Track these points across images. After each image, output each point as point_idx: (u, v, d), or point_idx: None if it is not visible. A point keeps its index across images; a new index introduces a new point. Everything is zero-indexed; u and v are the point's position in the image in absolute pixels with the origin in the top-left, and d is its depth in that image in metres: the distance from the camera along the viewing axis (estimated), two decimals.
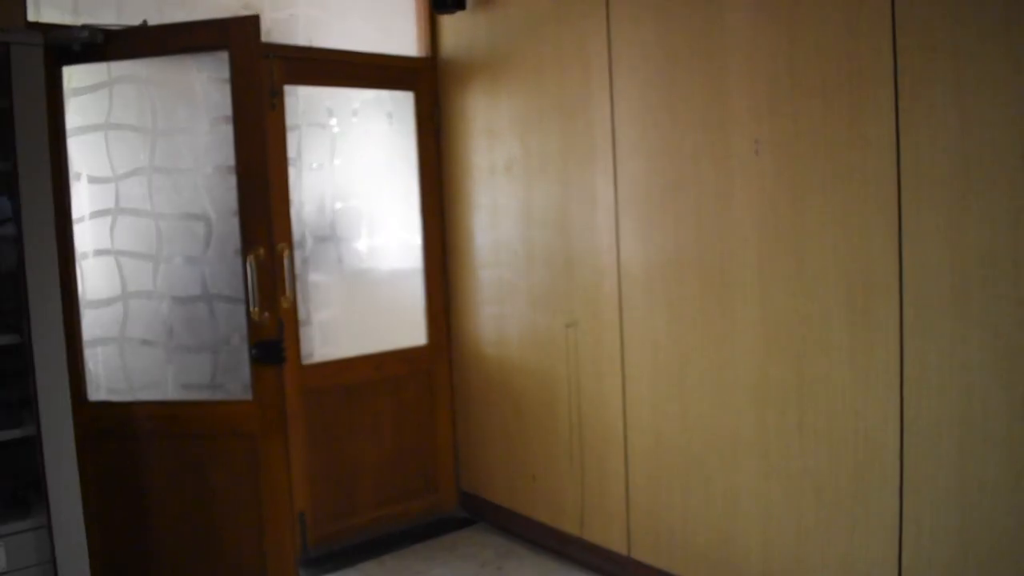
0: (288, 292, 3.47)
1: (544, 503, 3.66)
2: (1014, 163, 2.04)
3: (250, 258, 3.02)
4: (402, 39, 4.00)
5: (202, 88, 3.17)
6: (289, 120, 3.59)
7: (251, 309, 3.04)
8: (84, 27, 2.97)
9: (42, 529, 2.55)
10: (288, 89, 3.59)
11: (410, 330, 4.04)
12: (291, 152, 3.61)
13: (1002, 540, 2.12)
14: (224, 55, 3.05)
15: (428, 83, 4.01)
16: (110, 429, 3.15)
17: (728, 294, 2.76)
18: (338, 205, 3.84)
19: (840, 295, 2.45)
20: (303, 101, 3.70)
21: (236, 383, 3.22)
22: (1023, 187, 2.03)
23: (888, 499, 2.36)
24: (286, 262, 3.45)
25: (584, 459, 3.40)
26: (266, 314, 3.05)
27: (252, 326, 3.06)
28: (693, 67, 2.81)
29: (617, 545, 3.29)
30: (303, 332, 3.65)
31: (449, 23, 3.92)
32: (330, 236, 3.81)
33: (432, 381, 4.07)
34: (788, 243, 2.57)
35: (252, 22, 3.02)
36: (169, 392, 3.29)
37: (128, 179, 3.22)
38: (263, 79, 3.14)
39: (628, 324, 3.15)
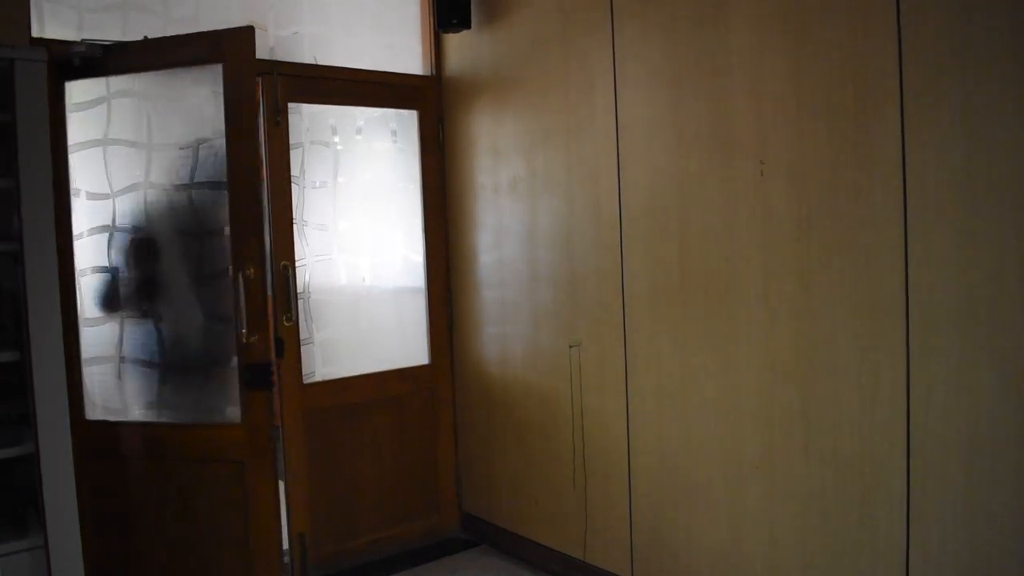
0: (291, 311, 3.46)
1: (547, 526, 3.62)
2: (1021, 185, 2.02)
3: (239, 277, 2.96)
4: (407, 57, 4.01)
5: (198, 102, 3.13)
6: (292, 138, 3.59)
7: (239, 331, 2.97)
8: (83, 42, 2.98)
9: (39, 549, 2.52)
10: (292, 107, 3.59)
11: (413, 349, 4.02)
12: (294, 170, 3.60)
13: (1010, 566, 2.09)
14: (219, 68, 3.01)
15: (432, 102, 4.01)
16: (106, 449, 3.12)
17: (733, 315, 2.74)
18: (341, 223, 3.83)
19: (846, 317, 2.42)
20: (307, 119, 3.69)
21: (229, 407, 3.15)
22: None
23: (895, 524, 2.33)
24: (290, 281, 3.45)
25: (587, 481, 3.37)
26: (255, 337, 2.98)
27: (241, 349, 2.99)
28: (698, 87, 2.80)
29: (620, 569, 3.25)
30: (305, 351, 3.64)
31: (454, 42, 3.93)
32: (333, 254, 3.80)
33: (434, 401, 4.05)
34: (793, 265, 2.55)
35: (246, 34, 2.98)
36: (163, 413, 3.23)
37: (125, 195, 3.20)
38: (256, 92, 3.11)
39: (632, 345, 3.12)
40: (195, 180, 3.14)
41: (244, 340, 2.97)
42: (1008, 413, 2.08)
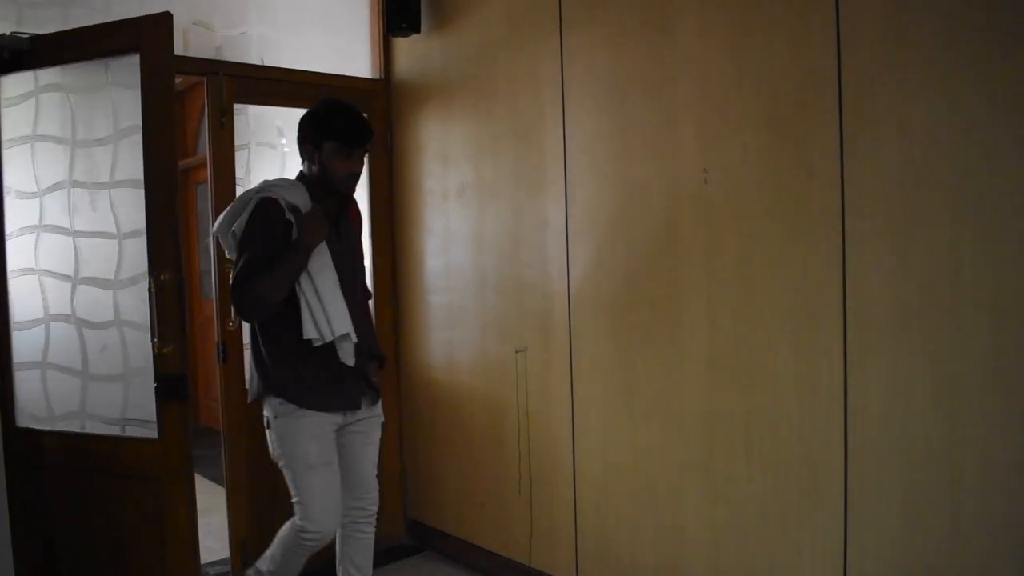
0: (233, 315, 3.41)
1: (492, 531, 3.62)
2: (953, 197, 2.09)
3: (153, 283, 2.83)
4: (356, 61, 3.98)
5: (118, 95, 3.00)
6: (238, 139, 3.54)
7: (152, 340, 2.84)
8: (9, 34, 2.87)
9: None
10: (238, 108, 3.54)
11: None
12: (239, 172, 3.55)
13: (943, 565, 2.15)
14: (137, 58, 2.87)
15: (381, 105, 3.99)
16: (33, 458, 3.01)
17: (676, 321, 2.78)
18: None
19: (786, 324, 2.47)
20: (253, 120, 3.65)
21: (149, 419, 2.99)
22: (961, 220, 2.08)
23: (833, 525, 2.38)
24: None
25: (533, 486, 3.38)
26: (170, 346, 2.83)
27: (156, 359, 2.86)
28: (644, 96, 2.84)
29: (565, 573, 3.26)
30: (247, 356, 3.57)
31: (403, 46, 3.92)
32: None
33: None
34: (735, 271, 2.59)
35: (164, 20, 2.83)
36: (85, 424, 3.11)
37: (51, 194, 3.10)
38: (173, 82, 2.94)
39: (577, 351, 3.14)
40: (115, 178, 3.03)
41: (157, 350, 2.84)
42: (941, 417, 2.14)
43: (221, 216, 2.73)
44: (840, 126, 2.31)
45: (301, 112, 3.77)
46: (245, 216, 2.60)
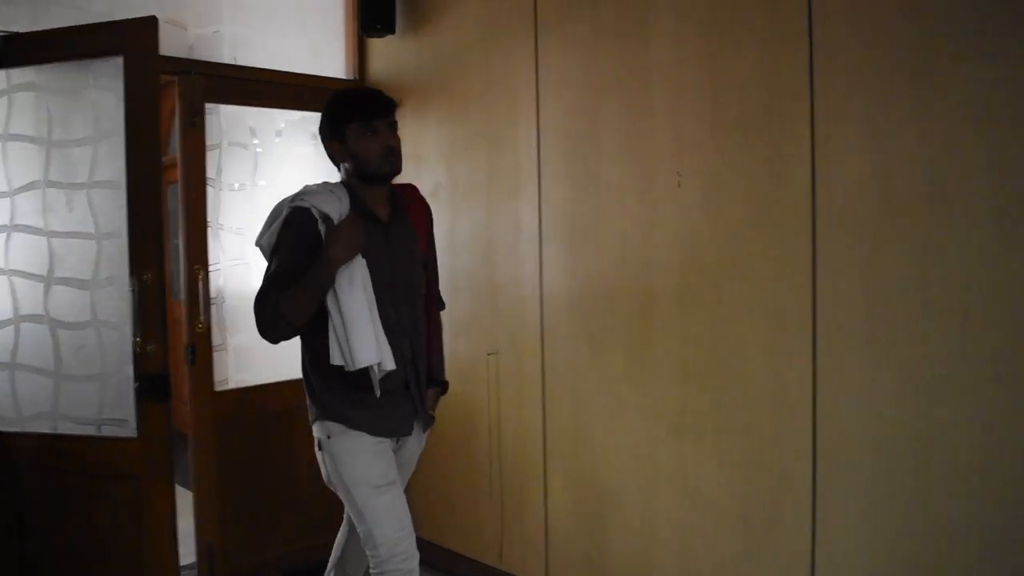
0: (202, 316, 3.37)
1: (463, 533, 3.61)
2: (924, 202, 2.12)
3: (136, 283, 2.82)
4: (330, 61, 3.96)
5: (99, 96, 2.96)
6: (209, 139, 3.50)
7: (135, 340, 2.82)
8: None
9: None
10: (210, 107, 3.50)
11: None
12: (210, 172, 3.52)
13: (910, 566, 2.17)
14: (120, 61, 2.85)
15: None
16: (3, 459, 2.95)
17: (649, 324, 2.79)
18: (260, 227, 3.75)
19: (757, 326, 2.49)
20: (225, 119, 3.62)
21: (126, 419, 2.97)
22: (932, 226, 2.11)
23: (802, 527, 2.40)
24: (201, 285, 3.36)
25: (504, 488, 3.37)
26: (152, 345, 2.83)
27: (137, 359, 2.85)
28: (618, 99, 2.85)
29: (535, 575, 3.25)
30: (218, 357, 3.54)
31: (378, 47, 3.90)
32: (250, 259, 3.72)
33: None
34: (708, 274, 2.61)
35: (149, 26, 2.82)
36: (57, 425, 3.05)
37: (23, 194, 3.05)
38: (159, 86, 2.93)
39: (550, 353, 3.14)
40: (94, 179, 2.99)
41: (140, 349, 2.82)
42: (906, 419, 2.17)
43: (261, 230, 2.49)
44: (812, 132, 2.33)
45: (274, 112, 3.79)
46: (277, 226, 2.36)
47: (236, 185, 3.67)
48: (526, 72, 3.17)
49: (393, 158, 2.39)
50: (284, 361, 3.77)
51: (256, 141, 3.77)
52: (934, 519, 2.13)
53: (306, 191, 2.37)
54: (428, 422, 2.59)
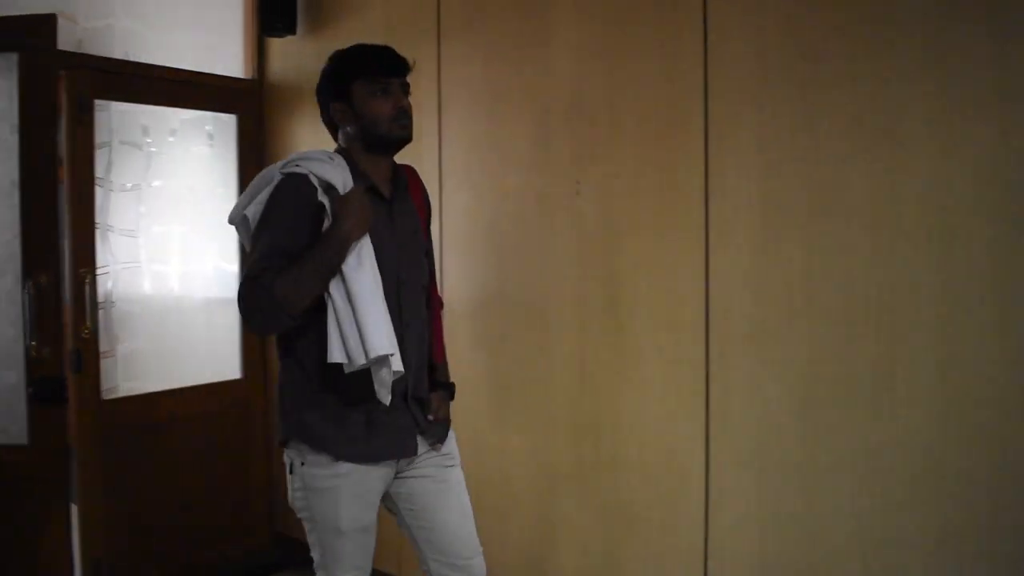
0: (88, 321, 3.23)
1: None
2: (807, 212, 2.21)
3: (29, 286, 2.72)
4: (228, 60, 3.86)
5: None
6: (99, 137, 3.35)
7: (28, 344, 2.72)
8: None
9: None
10: (100, 104, 3.36)
11: (224, 363, 3.84)
12: (99, 171, 3.37)
13: (798, 566, 2.26)
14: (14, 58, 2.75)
15: (253, 106, 3.88)
16: None
17: (547, 328, 2.81)
18: (153, 229, 3.63)
19: (651, 333, 2.55)
20: (115, 117, 3.48)
21: (14, 426, 2.86)
22: (816, 234, 2.20)
23: (695, 530, 2.46)
24: (87, 289, 3.21)
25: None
26: (47, 349, 2.72)
27: (30, 362, 2.75)
28: (520, 108, 2.88)
29: None
30: (106, 364, 3.39)
31: (278, 47, 3.83)
32: (140, 262, 3.59)
33: (247, 417, 3.88)
34: (604, 282, 2.65)
35: (46, 23, 2.73)
36: None
37: None
38: (55, 85, 2.86)
39: (451, 357, 3.12)
40: None
41: (35, 353, 2.72)
42: (792, 421, 2.25)
43: (236, 202, 2.13)
44: (705, 143, 2.40)
45: (168, 111, 3.67)
46: (265, 196, 1.98)
47: (128, 185, 3.54)
48: (428, 78, 3.17)
49: (407, 122, 2.10)
50: (176, 370, 3.67)
51: (149, 140, 3.64)
52: (819, 517, 2.22)
53: (300, 156, 2.03)
54: (441, 433, 2.21)
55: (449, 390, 2.34)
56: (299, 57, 3.74)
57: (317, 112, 3.51)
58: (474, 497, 3.06)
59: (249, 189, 2.06)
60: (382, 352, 1.86)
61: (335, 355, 1.88)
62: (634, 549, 2.61)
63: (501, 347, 2.97)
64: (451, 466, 2.24)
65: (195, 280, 3.82)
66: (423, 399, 2.17)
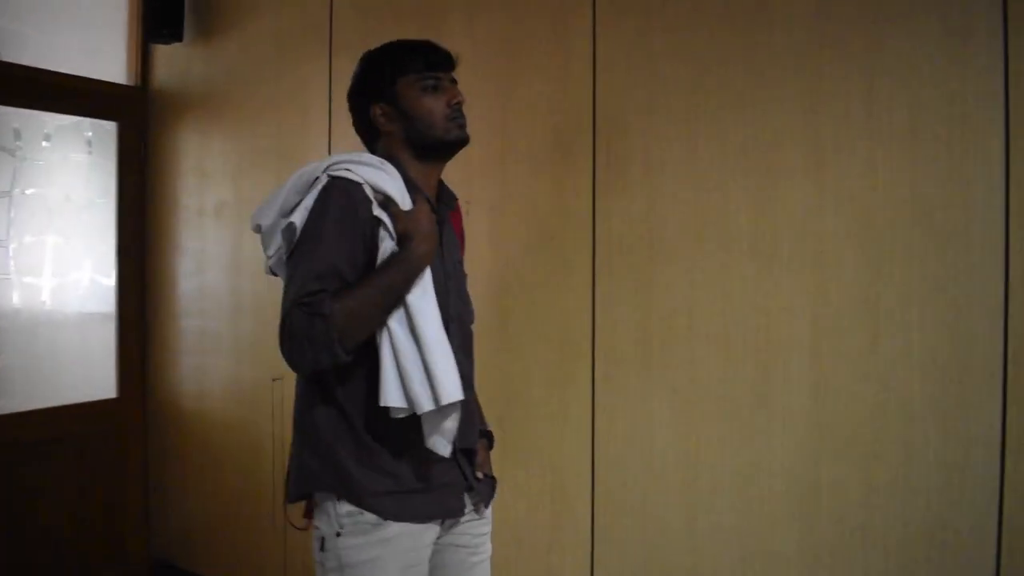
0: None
1: (246, 567, 3.43)
2: (691, 237, 2.26)
3: None
4: (110, 65, 3.70)
5: None
6: None
7: None
8: None
9: None
10: None
11: (99, 381, 3.66)
12: None
13: None
14: None
15: (136, 114, 3.73)
16: None
17: None
18: (23, 239, 3.43)
19: (541, 352, 2.55)
20: None
21: None
22: (697, 258, 2.25)
23: (581, 548, 2.46)
24: None
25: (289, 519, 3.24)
26: None
27: None
28: None
29: None
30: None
31: (164, 53, 3.69)
32: (9, 273, 3.38)
33: (122, 438, 3.69)
34: (494, 300, 2.64)
35: None
36: None
37: None
38: None
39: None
40: None
41: None
42: (677, 439, 2.29)
43: (263, 203, 1.74)
44: (593, 168, 2.43)
45: (44, 115, 3.48)
46: (311, 201, 1.62)
47: None
48: (319, 90, 3.11)
49: (463, 120, 1.81)
50: (46, 388, 3.48)
51: (20, 144, 3.45)
52: (699, 534, 2.25)
53: (349, 159, 1.66)
54: (488, 493, 1.89)
55: (489, 439, 1.99)
56: (186, 65, 3.62)
57: (203, 122, 3.38)
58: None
59: (285, 191, 1.68)
60: (455, 398, 1.56)
61: (391, 398, 1.55)
62: (521, 571, 2.60)
63: None
64: (486, 534, 1.92)
65: (69, 293, 3.62)
66: (472, 450, 1.82)
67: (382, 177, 1.64)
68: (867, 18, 2.01)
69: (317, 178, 1.63)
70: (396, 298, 1.57)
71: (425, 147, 1.76)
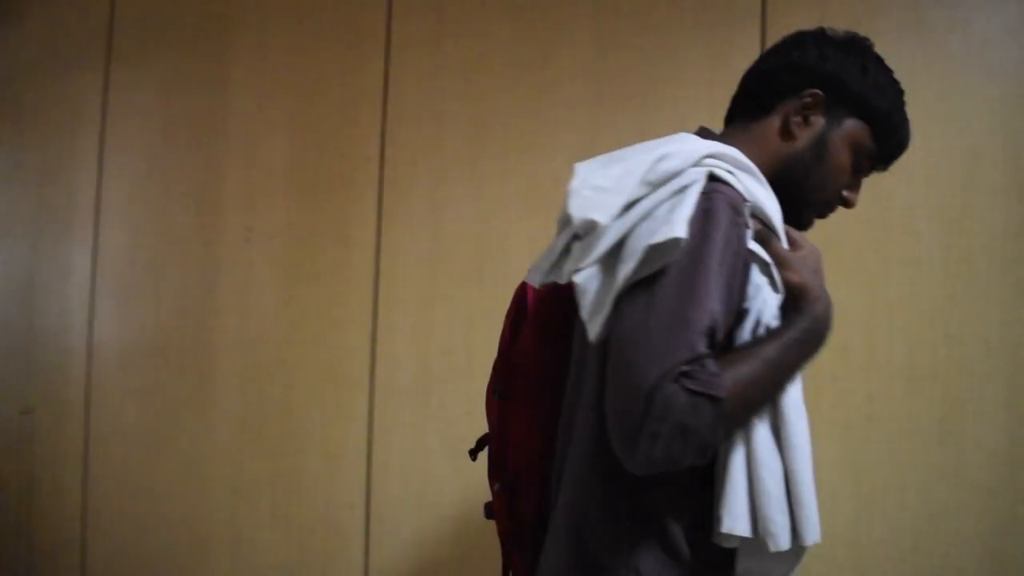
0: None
1: None
2: (474, 273, 2.33)
3: None
4: None
5: None
6: None
7: None
8: None
9: None
10: None
11: None
12: None
13: None
14: None
15: None
16: None
17: (209, 381, 2.66)
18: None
19: (319, 386, 2.51)
20: None
21: None
22: (474, 296, 2.32)
23: None
24: None
25: (37, 564, 2.95)
26: None
27: None
28: (192, 146, 2.73)
29: None
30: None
31: None
32: None
33: None
34: (272, 331, 2.58)
35: None
36: None
37: None
38: None
39: (98, 412, 2.84)
40: None
41: None
42: (449, 474, 2.33)
43: (588, 184, 1.15)
44: (379, 202, 2.45)
45: None
46: (688, 210, 1.04)
47: None
48: (92, 102, 2.91)
49: (824, 216, 1.33)
50: None
51: None
52: (471, 563, 2.29)
53: (728, 153, 1.14)
54: None
55: None
56: None
57: None
58: (118, 564, 2.79)
59: (636, 179, 1.10)
60: (816, 540, 1.11)
61: (738, 524, 1.07)
62: None
63: (156, 399, 2.74)
64: None
65: None
66: None
67: (765, 196, 1.15)
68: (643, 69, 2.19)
69: (683, 171, 1.09)
70: (790, 379, 1.10)
71: (784, 189, 1.21)
